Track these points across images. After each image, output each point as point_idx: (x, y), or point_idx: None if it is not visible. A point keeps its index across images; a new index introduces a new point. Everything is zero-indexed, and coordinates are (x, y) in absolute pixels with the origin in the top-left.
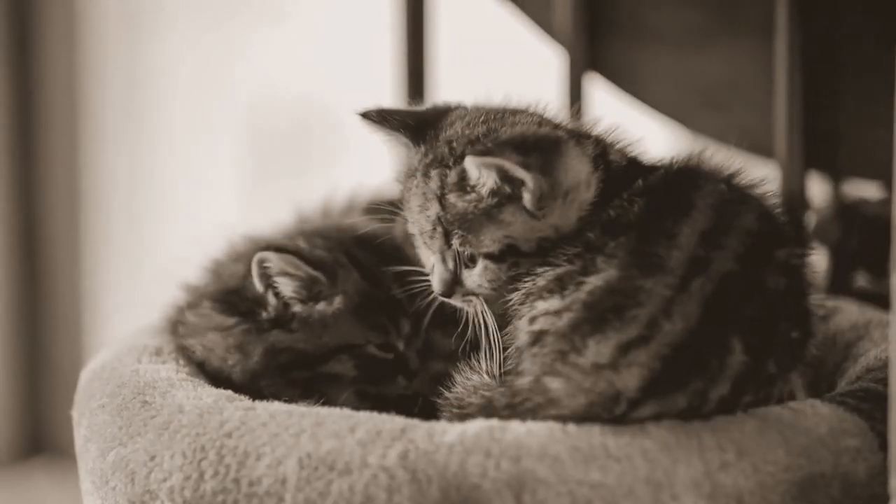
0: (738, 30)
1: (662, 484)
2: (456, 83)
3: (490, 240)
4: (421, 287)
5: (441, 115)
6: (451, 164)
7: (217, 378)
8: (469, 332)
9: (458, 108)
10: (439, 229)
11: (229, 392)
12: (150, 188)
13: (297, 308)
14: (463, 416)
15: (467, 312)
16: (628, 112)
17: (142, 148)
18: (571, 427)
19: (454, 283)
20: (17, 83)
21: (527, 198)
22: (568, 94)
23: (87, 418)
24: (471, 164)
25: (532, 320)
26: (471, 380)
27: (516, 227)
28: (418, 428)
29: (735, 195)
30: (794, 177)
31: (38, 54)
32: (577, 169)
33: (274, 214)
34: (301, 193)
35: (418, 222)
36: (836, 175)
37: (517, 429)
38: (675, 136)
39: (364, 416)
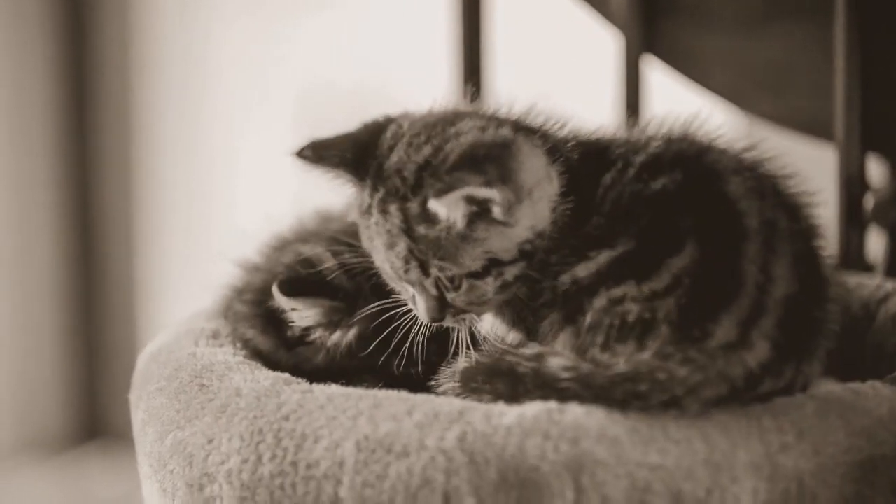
0: (795, 11)
1: (722, 466)
2: (512, 67)
3: (470, 260)
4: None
5: (375, 136)
6: (408, 195)
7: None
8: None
9: (390, 123)
10: (413, 262)
11: (286, 375)
12: (205, 173)
13: (317, 334)
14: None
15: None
16: (685, 95)
17: (196, 132)
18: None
19: (443, 307)
20: (72, 73)
21: (496, 211)
22: (624, 77)
23: (145, 402)
24: (436, 206)
25: (605, 310)
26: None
27: (493, 240)
28: (476, 410)
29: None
30: (852, 159)
31: (92, 43)
32: (534, 164)
33: (327, 199)
34: None
35: (388, 260)
36: (895, 157)
37: (576, 411)
38: (731, 118)
39: (421, 398)
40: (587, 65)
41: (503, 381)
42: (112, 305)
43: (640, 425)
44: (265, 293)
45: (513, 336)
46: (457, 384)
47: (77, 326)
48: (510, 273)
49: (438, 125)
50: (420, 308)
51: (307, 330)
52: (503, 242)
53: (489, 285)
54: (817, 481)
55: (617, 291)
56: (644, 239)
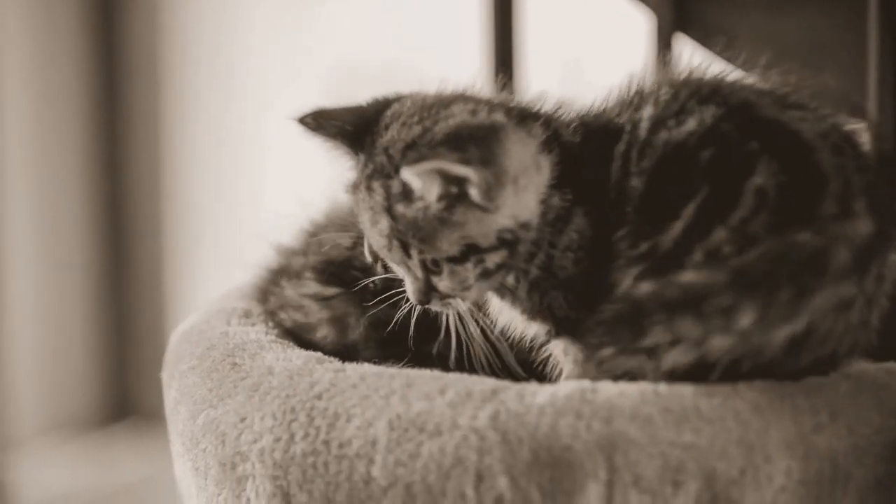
0: None
1: (755, 446)
2: (544, 45)
3: (447, 244)
4: None
5: (378, 113)
6: (391, 173)
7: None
8: (451, 334)
9: (395, 101)
10: (395, 242)
11: (319, 354)
12: (233, 154)
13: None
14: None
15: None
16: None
17: (225, 113)
18: (663, 388)
19: (428, 290)
20: (102, 56)
21: (474, 193)
22: (656, 55)
23: (178, 380)
24: (408, 174)
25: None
26: None
27: (471, 225)
28: (509, 389)
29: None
30: (885, 137)
31: (122, 29)
32: (521, 152)
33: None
34: None
35: (373, 237)
36: None
37: (608, 390)
38: None
39: (454, 377)
40: (619, 44)
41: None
42: (141, 286)
43: (672, 404)
44: (331, 263)
45: (534, 329)
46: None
47: (106, 307)
48: (491, 261)
49: (434, 107)
50: (408, 289)
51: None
52: (481, 228)
53: (469, 271)
54: (851, 461)
55: (712, 242)
56: (711, 178)
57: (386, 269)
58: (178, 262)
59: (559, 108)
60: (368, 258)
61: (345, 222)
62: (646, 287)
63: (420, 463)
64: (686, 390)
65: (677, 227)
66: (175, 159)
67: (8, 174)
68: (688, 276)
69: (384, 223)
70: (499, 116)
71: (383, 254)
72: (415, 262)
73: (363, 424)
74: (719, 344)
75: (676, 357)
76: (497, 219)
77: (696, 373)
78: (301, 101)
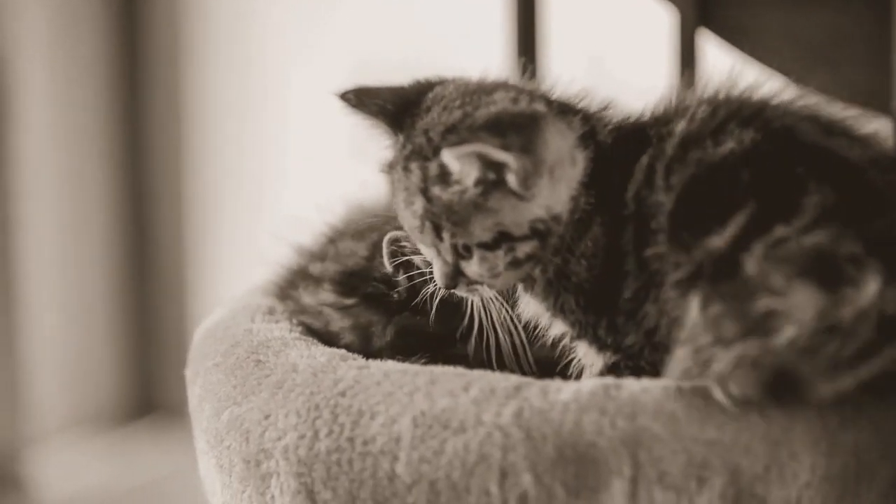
0: None
1: (780, 441)
2: (567, 42)
3: (480, 229)
4: None
5: (422, 94)
6: (430, 155)
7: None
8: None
9: (438, 84)
10: (428, 224)
11: (343, 351)
12: (255, 151)
13: (428, 288)
14: None
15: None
16: (741, 69)
17: (249, 111)
18: (686, 384)
19: (456, 275)
20: (123, 55)
21: (512, 179)
22: (679, 51)
23: (202, 377)
24: (448, 156)
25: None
26: None
27: (505, 212)
28: (532, 386)
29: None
30: None
31: (143, 27)
32: (559, 143)
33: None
34: None
35: (406, 218)
36: None
37: (632, 386)
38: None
39: (478, 374)
40: (641, 39)
41: None
42: (164, 282)
43: (696, 401)
44: (349, 274)
45: (558, 328)
46: None
47: (130, 303)
48: (521, 250)
49: (477, 93)
50: (436, 272)
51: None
52: (515, 216)
53: (499, 259)
54: (876, 457)
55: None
56: (758, 195)
57: (409, 276)
58: (201, 258)
59: (600, 106)
60: (388, 267)
61: (361, 229)
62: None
63: (444, 460)
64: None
65: (727, 234)
66: (197, 155)
67: (29, 171)
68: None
69: (419, 204)
70: (539, 106)
71: (415, 235)
72: (446, 245)
73: (387, 421)
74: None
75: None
76: (531, 208)
77: None
78: (322, 101)
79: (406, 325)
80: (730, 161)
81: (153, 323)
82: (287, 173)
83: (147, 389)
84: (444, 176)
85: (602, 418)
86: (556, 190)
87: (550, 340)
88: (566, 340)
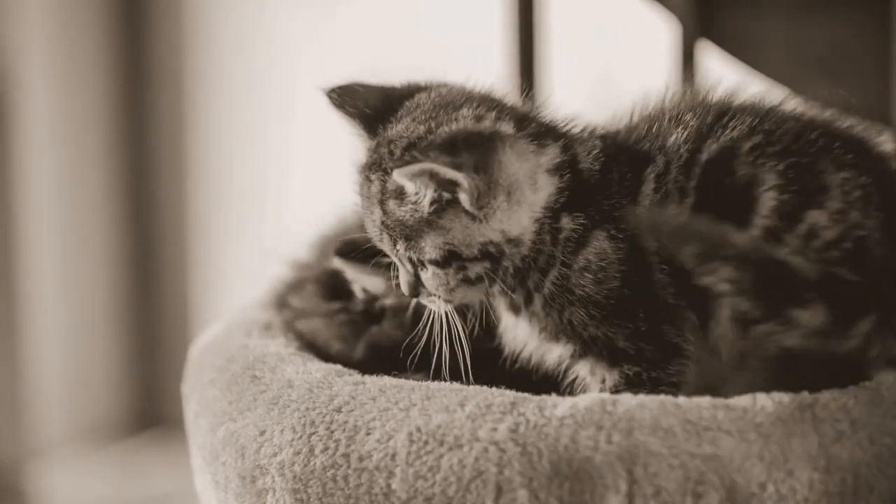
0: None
1: (777, 458)
2: (568, 53)
3: (431, 247)
4: None
5: (404, 100)
6: (390, 169)
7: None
8: (433, 330)
9: (422, 91)
10: (385, 234)
11: (339, 367)
12: (257, 165)
13: (387, 301)
14: None
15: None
16: (741, 80)
17: (250, 127)
18: (683, 400)
19: (417, 284)
20: (126, 67)
21: (464, 198)
22: (680, 62)
23: (198, 393)
24: (399, 176)
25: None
26: None
27: (456, 232)
28: (528, 401)
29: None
30: None
31: (146, 38)
32: (517, 166)
33: None
34: None
35: (367, 224)
36: None
37: (629, 402)
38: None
39: (474, 389)
40: (642, 51)
41: None
42: (167, 295)
43: (692, 416)
44: (331, 275)
45: (555, 353)
46: None
47: (132, 317)
48: (472, 270)
49: (447, 107)
50: (401, 278)
51: (369, 300)
52: (465, 236)
53: (450, 276)
54: (874, 472)
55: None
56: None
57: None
58: (204, 272)
59: (584, 131)
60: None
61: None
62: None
63: (440, 476)
64: (705, 402)
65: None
66: (200, 168)
67: (32, 187)
68: None
69: (377, 214)
70: (505, 126)
71: (376, 241)
72: (402, 256)
73: (383, 437)
74: None
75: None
76: (484, 230)
77: None
78: (323, 113)
79: (375, 336)
80: (734, 153)
81: (156, 336)
82: (291, 186)
83: (149, 403)
84: (400, 192)
85: (598, 434)
86: (515, 213)
87: (541, 366)
88: (563, 363)
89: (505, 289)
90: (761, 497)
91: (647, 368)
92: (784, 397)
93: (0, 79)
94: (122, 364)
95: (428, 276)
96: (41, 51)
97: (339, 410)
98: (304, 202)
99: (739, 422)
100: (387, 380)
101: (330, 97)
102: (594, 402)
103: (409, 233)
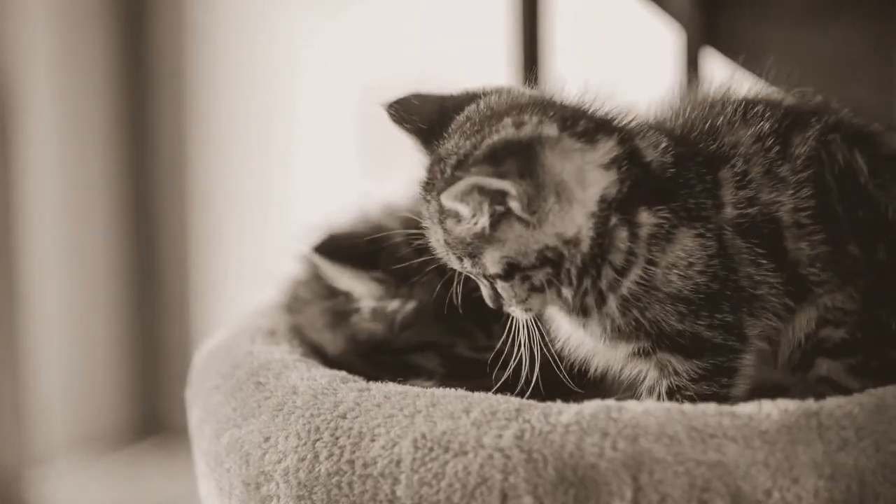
0: (857, 5)
1: (782, 465)
2: (571, 60)
3: (491, 262)
4: None
5: (458, 111)
6: (443, 188)
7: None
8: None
9: (476, 99)
10: (450, 253)
11: (343, 373)
12: (260, 169)
13: (366, 303)
14: None
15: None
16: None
17: (251, 129)
18: (688, 407)
19: (497, 297)
20: (128, 71)
21: (515, 206)
22: (684, 69)
23: (202, 400)
24: (447, 199)
25: None
26: None
27: (511, 243)
28: (534, 408)
29: None
30: None
31: (148, 41)
32: (561, 166)
33: (395, 192)
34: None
35: (432, 242)
36: None
37: (634, 409)
38: None
39: (479, 396)
40: (647, 58)
41: None
42: (168, 302)
43: (697, 423)
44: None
45: (617, 353)
46: None
47: (134, 323)
48: (536, 278)
49: (493, 118)
50: (483, 293)
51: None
52: (521, 247)
53: (516, 287)
54: (879, 479)
55: None
56: None
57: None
58: (206, 278)
59: (642, 124)
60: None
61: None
62: None
63: (445, 482)
64: (711, 408)
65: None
66: (203, 173)
67: (33, 191)
68: None
69: (439, 234)
70: (548, 128)
71: (445, 259)
72: (471, 272)
73: (388, 444)
74: None
75: None
76: (538, 236)
77: None
78: (327, 116)
79: (355, 329)
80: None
81: (158, 343)
82: (294, 191)
83: (151, 410)
84: (456, 211)
85: (603, 440)
86: (567, 213)
87: (593, 367)
88: (628, 362)
89: (574, 292)
90: None
91: (727, 359)
92: (789, 404)
93: (1, 82)
94: (124, 371)
95: (499, 288)
96: (43, 53)
97: (343, 417)
98: (307, 207)
99: (745, 429)
100: (392, 386)
101: (389, 113)
102: (599, 408)
103: (471, 250)
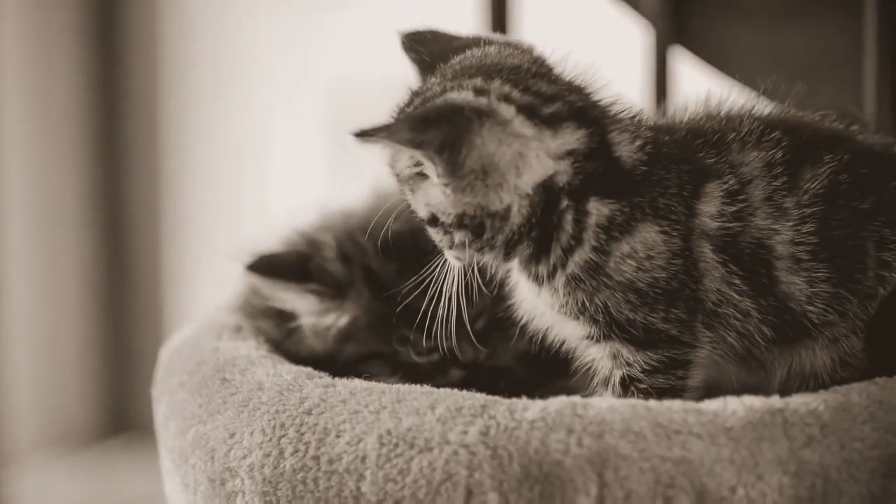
0: (825, 6)
1: (746, 462)
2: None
3: (416, 204)
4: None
5: (458, 52)
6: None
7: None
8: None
9: (474, 46)
10: (399, 185)
11: (309, 369)
12: (232, 166)
13: (306, 320)
14: None
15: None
16: (714, 85)
17: (224, 129)
18: (654, 403)
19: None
20: (101, 69)
21: (430, 173)
22: (653, 67)
23: (167, 396)
24: (359, 145)
25: None
26: None
27: (432, 197)
28: (499, 404)
29: None
30: None
31: (121, 40)
32: (493, 147)
33: (358, 193)
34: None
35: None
36: None
37: (599, 405)
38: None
39: (444, 392)
40: (615, 57)
41: None
42: (138, 300)
43: (662, 419)
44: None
45: (570, 329)
46: None
47: (103, 321)
48: (457, 237)
49: (467, 73)
50: None
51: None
52: (441, 205)
53: (440, 236)
54: (844, 477)
55: None
56: None
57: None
58: (177, 275)
59: (633, 118)
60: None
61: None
62: None
63: (410, 479)
64: (676, 405)
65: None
66: (174, 172)
67: (2, 187)
68: None
69: (394, 164)
70: (504, 108)
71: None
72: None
73: (353, 440)
74: None
75: None
76: (457, 204)
77: None
78: (300, 117)
79: (293, 350)
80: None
81: (127, 341)
82: (266, 190)
83: (121, 408)
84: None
85: (568, 437)
86: (494, 192)
87: (551, 340)
88: (579, 343)
89: (504, 258)
90: (731, 501)
91: (681, 353)
92: (755, 401)
93: None
94: (93, 369)
95: (429, 231)
96: (14, 54)
97: (309, 413)
98: (280, 207)
99: (710, 426)
100: (357, 382)
101: (402, 41)
102: (564, 405)
103: (407, 187)
